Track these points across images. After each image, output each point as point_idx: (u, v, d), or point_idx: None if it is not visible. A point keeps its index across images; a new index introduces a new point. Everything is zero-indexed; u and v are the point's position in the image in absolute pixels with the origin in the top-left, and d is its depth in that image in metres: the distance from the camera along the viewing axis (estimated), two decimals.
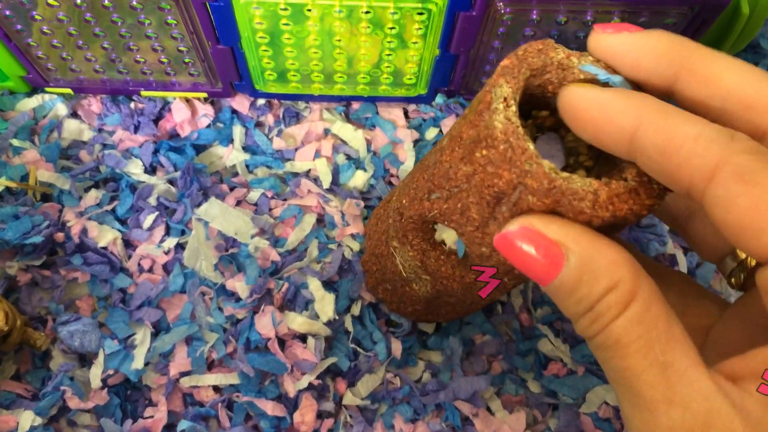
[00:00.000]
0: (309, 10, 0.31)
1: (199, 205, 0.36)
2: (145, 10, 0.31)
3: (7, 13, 0.31)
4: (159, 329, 0.35)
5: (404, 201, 0.29)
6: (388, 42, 0.33)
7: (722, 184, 0.18)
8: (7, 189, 0.36)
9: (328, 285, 0.36)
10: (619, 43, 0.21)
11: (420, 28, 0.32)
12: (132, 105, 0.38)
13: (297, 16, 0.31)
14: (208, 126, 0.38)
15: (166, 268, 0.36)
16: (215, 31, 0.32)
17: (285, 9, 0.30)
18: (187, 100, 0.38)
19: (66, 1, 0.30)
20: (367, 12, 0.31)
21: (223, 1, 0.30)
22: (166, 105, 0.38)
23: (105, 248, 0.36)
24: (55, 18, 0.31)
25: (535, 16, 0.31)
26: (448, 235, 0.31)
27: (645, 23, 0.31)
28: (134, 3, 0.30)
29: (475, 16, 0.31)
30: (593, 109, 0.20)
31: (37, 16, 0.31)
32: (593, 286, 0.20)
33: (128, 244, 0.36)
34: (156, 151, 0.38)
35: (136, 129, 0.38)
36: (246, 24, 0.32)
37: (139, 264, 0.36)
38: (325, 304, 0.35)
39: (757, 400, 0.19)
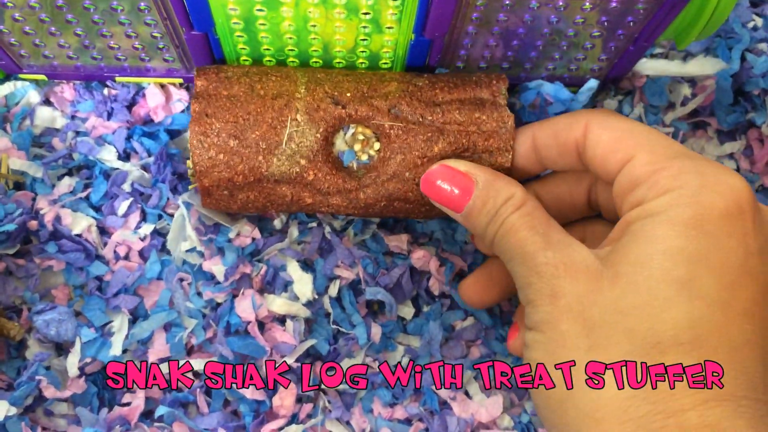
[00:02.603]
0: None
1: (174, 188, 0.36)
2: None
3: None
4: (137, 316, 0.35)
5: (348, 94, 0.33)
6: (363, 27, 0.33)
7: (592, 132, 0.30)
8: None
9: (307, 266, 0.36)
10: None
11: (394, 13, 0.32)
12: (105, 91, 0.38)
13: (271, 2, 0.31)
14: (183, 111, 0.38)
15: (143, 255, 0.36)
16: (189, 17, 0.32)
17: None
18: (162, 86, 0.38)
19: None
20: None
21: None
22: (140, 90, 0.38)
23: (80, 236, 0.35)
24: (26, 5, 0.31)
25: (508, 1, 0.31)
26: (340, 144, 0.33)
27: (616, 8, 0.31)
28: None
29: (449, 0, 0.31)
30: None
31: (8, 3, 0.31)
32: (497, 198, 0.30)
33: (103, 232, 0.36)
34: (129, 137, 0.37)
35: (110, 115, 0.38)
36: (219, 9, 0.31)
37: (114, 251, 0.36)
38: (304, 285, 0.35)
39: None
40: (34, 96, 0.37)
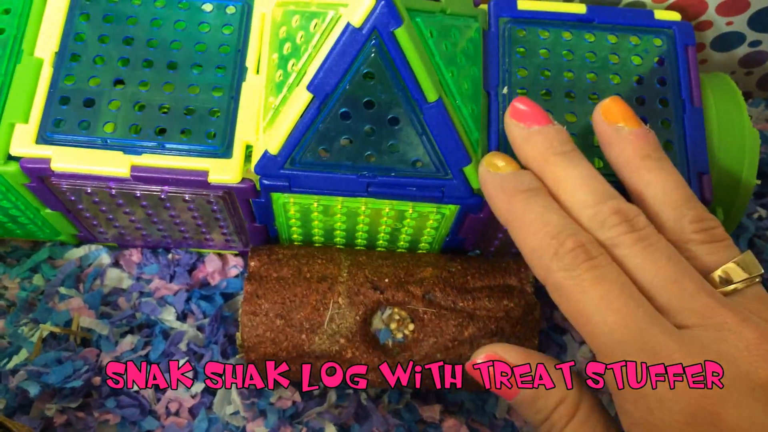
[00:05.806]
0: (338, 208, 0.35)
1: (224, 352, 0.40)
2: (195, 202, 0.35)
3: (72, 198, 0.35)
4: None
5: (386, 279, 0.37)
6: (405, 231, 0.37)
7: None
8: (51, 334, 0.40)
9: (344, 430, 0.39)
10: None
11: (433, 224, 0.36)
12: (169, 256, 0.42)
13: (327, 211, 0.35)
14: (237, 276, 0.42)
15: (192, 412, 0.40)
16: (253, 215, 0.36)
17: (318, 207, 0.35)
18: (220, 254, 0.42)
19: (126, 193, 0.34)
20: (389, 212, 0.35)
21: (264, 199, 0.34)
22: (200, 256, 0.42)
23: (137, 392, 0.39)
24: (114, 202, 0.35)
25: None
26: (377, 322, 0.37)
27: None
28: (186, 198, 0.34)
29: (483, 217, 0.35)
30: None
31: (97, 199, 0.35)
32: (547, 399, 0.28)
33: (158, 388, 0.40)
34: (188, 299, 0.41)
35: (172, 278, 0.42)
36: (282, 214, 0.36)
37: (167, 407, 0.39)
38: None
39: None
40: (105, 258, 0.42)
